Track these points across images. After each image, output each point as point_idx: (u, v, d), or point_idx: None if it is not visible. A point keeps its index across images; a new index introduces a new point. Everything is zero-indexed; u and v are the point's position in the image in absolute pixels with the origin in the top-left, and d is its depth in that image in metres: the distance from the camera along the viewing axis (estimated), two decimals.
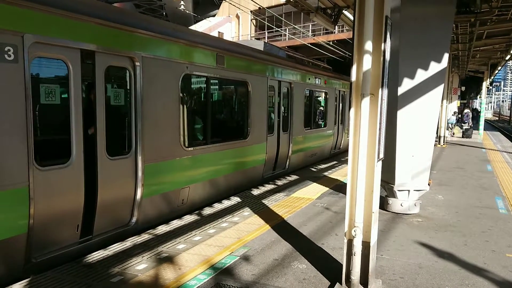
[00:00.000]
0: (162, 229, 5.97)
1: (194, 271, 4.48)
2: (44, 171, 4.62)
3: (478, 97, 42.58)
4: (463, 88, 34.09)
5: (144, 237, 5.60)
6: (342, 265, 4.05)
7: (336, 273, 4.34)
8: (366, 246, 3.92)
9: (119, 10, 6.07)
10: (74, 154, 4.95)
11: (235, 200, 7.79)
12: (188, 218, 6.53)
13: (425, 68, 6.52)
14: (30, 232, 4.44)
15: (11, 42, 4.13)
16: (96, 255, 4.90)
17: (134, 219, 5.92)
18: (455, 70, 24.46)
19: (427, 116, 6.71)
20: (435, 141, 12.88)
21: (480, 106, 27.80)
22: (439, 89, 6.67)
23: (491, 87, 50.06)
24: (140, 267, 4.58)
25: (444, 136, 19.86)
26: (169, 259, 4.81)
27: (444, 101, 19.83)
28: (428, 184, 7.12)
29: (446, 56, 6.55)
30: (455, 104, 28.97)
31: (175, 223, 6.25)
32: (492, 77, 35.00)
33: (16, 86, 4.21)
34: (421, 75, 6.55)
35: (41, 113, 4.66)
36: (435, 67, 6.53)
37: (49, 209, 4.68)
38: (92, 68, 5.13)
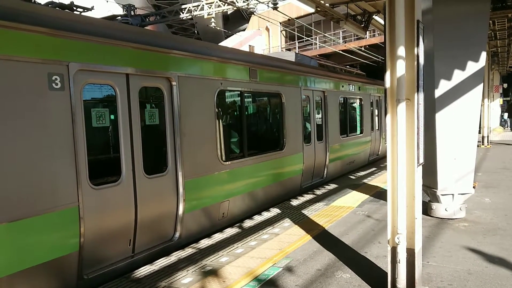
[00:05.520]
0: (204, 242, 6.08)
1: (238, 283, 4.55)
2: (98, 190, 4.86)
3: None
4: (505, 85, 32.76)
5: (188, 251, 5.73)
6: (387, 273, 3.99)
7: (381, 281, 4.28)
8: (410, 253, 3.86)
9: (154, 33, 6.34)
10: (124, 172, 5.19)
11: (274, 211, 7.82)
12: (230, 231, 6.62)
13: (462, 68, 6.36)
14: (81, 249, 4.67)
15: (58, 71, 4.41)
16: (143, 270, 5.06)
17: (177, 234, 6.06)
18: (495, 67, 23.59)
19: (467, 117, 6.53)
20: (478, 141, 12.43)
21: None
22: (478, 89, 6.49)
23: None
24: (186, 280, 4.69)
25: (488, 136, 19.11)
26: (213, 272, 4.90)
27: (486, 99, 19.13)
28: (473, 187, 6.89)
29: (483, 55, 6.38)
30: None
31: (217, 237, 6.35)
32: None
33: (63, 112, 4.47)
34: (459, 76, 6.40)
35: (91, 136, 4.92)
36: (472, 67, 6.37)
37: (104, 225, 4.92)
38: (133, 90, 5.36)
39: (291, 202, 8.54)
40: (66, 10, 6.69)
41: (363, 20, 10.80)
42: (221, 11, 16.15)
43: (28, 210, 4.12)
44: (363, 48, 26.50)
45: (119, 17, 14.77)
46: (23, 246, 4.11)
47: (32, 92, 4.18)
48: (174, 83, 5.94)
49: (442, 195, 6.69)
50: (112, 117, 5.20)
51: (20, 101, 4.08)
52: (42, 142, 4.27)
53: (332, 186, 10.24)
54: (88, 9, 8.10)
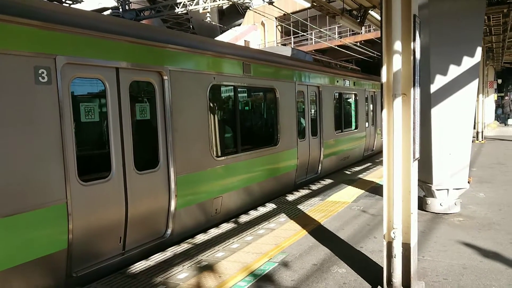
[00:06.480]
0: (200, 238, 6.06)
1: (234, 279, 4.53)
2: (88, 186, 4.80)
3: None
4: (499, 81, 32.90)
5: (184, 246, 5.70)
6: (382, 268, 3.99)
7: (377, 276, 4.29)
8: (406, 248, 3.86)
9: (145, 26, 6.25)
10: (114, 168, 5.12)
11: (270, 206, 7.81)
12: (225, 226, 6.60)
13: (458, 63, 6.36)
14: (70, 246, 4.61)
15: (44, 64, 4.30)
16: (139, 266, 5.03)
17: (169, 231, 6.01)
18: (490, 62, 23.67)
19: (462, 112, 6.54)
20: (473, 137, 12.47)
21: None
22: (474, 84, 6.49)
23: None
24: (182, 276, 4.67)
25: (482, 132, 19.21)
26: (209, 267, 4.89)
27: (480, 95, 19.20)
28: (468, 182, 6.91)
29: (479, 50, 6.37)
30: None
31: (213, 232, 6.33)
32: None
33: (50, 106, 4.36)
34: (454, 71, 6.40)
35: (80, 131, 4.84)
36: (468, 62, 6.37)
37: (93, 222, 4.86)
38: (123, 84, 5.28)
39: (286, 198, 8.54)
40: (54, 2, 6.58)
41: (359, 15, 10.78)
42: (216, 5, 16.05)
43: (14, 207, 4.03)
44: (358, 44, 26.47)
45: (109, 10, 14.60)
46: (10, 243, 4.03)
47: (18, 86, 4.07)
48: (165, 77, 5.86)
49: (437, 190, 6.71)
50: (102, 111, 5.11)
51: (5, 95, 3.97)
52: (29, 138, 4.17)
53: (327, 181, 10.24)
54: (77, 2, 7.98)
